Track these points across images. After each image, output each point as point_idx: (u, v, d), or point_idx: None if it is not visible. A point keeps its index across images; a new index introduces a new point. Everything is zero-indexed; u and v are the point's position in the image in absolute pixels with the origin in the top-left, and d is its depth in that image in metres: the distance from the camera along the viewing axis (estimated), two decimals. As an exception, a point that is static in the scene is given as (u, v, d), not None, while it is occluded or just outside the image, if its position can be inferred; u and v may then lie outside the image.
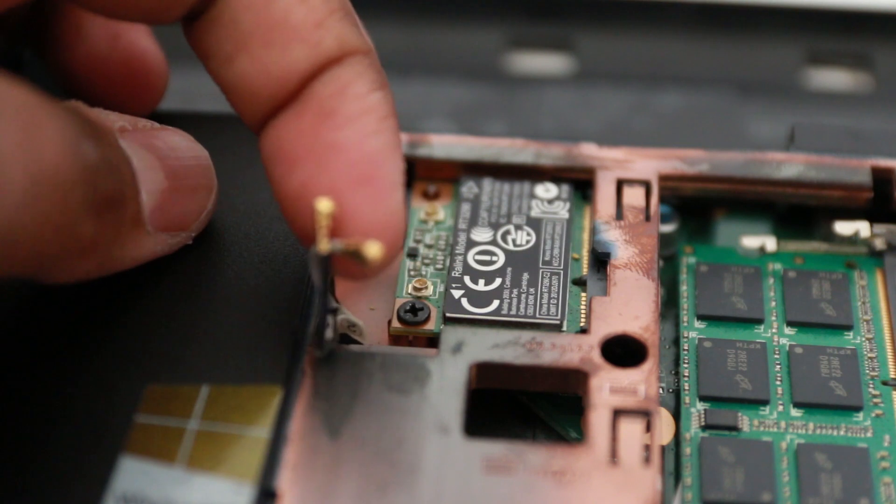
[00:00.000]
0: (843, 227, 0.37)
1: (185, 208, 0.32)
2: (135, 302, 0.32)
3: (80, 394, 0.31)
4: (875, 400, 0.33)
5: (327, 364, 0.31)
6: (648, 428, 0.30)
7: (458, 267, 0.34)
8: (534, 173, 0.37)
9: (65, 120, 0.27)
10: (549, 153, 0.37)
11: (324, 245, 0.29)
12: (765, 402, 0.33)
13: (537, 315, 0.33)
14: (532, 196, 0.36)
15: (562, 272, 0.34)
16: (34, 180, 0.26)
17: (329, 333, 0.31)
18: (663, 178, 0.36)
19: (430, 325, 0.33)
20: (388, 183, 0.30)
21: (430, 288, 0.34)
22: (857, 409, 0.33)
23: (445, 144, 0.37)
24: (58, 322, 0.32)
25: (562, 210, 0.36)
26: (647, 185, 0.36)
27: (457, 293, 0.33)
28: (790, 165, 0.37)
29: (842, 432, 0.32)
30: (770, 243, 0.37)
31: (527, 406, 0.34)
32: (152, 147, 0.31)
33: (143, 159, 0.30)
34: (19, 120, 0.26)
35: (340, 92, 0.30)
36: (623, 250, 0.34)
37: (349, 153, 0.30)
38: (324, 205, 0.29)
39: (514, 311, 0.33)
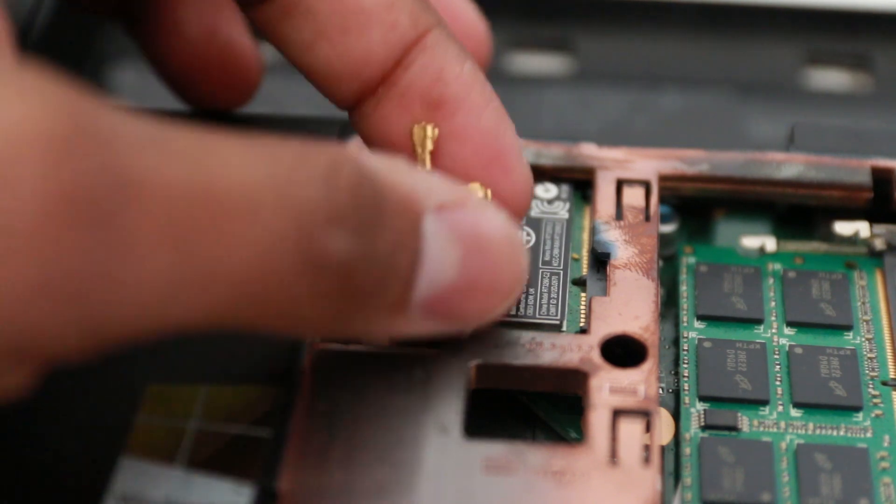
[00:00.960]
0: (842, 228, 0.37)
1: (469, 306, 0.29)
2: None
3: (80, 394, 0.31)
4: (875, 400, 0.33)
5: (327, 364, 0.31)
6: (648, 428, 0.30)
7: (458, 267, 0.34)
8: (533, 173, 0.36)
9: (295, 210, 0.25)
10: (549, 153, 0.37)
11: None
12: (764, 403, 0.33)
13: (537, 315, 0.33)
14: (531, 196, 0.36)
15: (561, 272, 0.34)
16: (229, 274, 0.25)
17: None
18: (663, 178, 0.36)
19: (430, 326, 0.33)
20: (514, 152, 0.32)
21: (430, 288, 0.34)
22: (857, 409, 0.33)
23: (445, 144, 0.37)
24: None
25: (561, 210, 0.36)
26: (646, 186, 0.36)
27: (457, 293, 0.33)
28: (790, 165, 0.37)
29: (841, 432, 0.32)
30: (770, 243, 0.37)
31: (527, 406, 0.34)
32: (462, 235, 0.28)
33: (442, 248, 0.28)
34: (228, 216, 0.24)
35: (439, 78, 0.31)
36: (623, 250, 0.34)
37: (472, 138, 0.31)
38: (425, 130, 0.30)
39: (513, 311, 0.33)
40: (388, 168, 0.27)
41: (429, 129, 0.31)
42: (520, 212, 0.32)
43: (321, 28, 0.31)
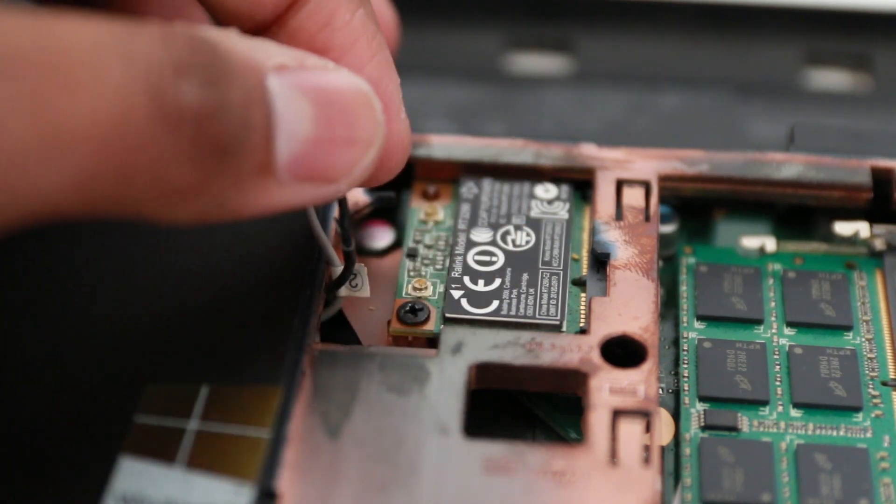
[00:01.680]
0: (842, 228, 0.37)
1: (334, 161, 0.29)
2: (135, 302, 0.32)
3: (80, 394, 0.31)
4: (875, 400, 0.33)
5: (327, 364, 0.31)
6: (648, 428, 0.30)
7: (458, 267, 0.34)
8: (533, 174, 0.37)
9: (140, 63, 0.26)
10: (549, 153, 0.37)
11: None
12: (764, 403, 0.33)
13: (537, 315, 0.33)
14: (532, 196, 0.36)
15: (561, 272, 0.34)
16: (87, 131, 0.25)
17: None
18: (663, 179, 0.36)
19: (430, 326, 0.33)
20: (394, 106, 0.31)
21: (430, 288, 0.34)
22: (857, 409, 0.33)
23: (445, 145, 0.37)
24: (58, 321, 0.32)
25: (561, 210, 0.36)
26: (646, 186, 0.36)
27: (456, 293, 0.33)
28: (790, 166, 0.37)
29: (841, 433, 0.32)
30: (770, 244, 0.37)
31: (526, 406, 0.34)
32: (309, 90, 0.28)
33: (291, 103, 0.28)
34: (62, 69, 0.25)
35: (327, 23, 0.31)
36: (623, 251, 0.34)
37: None
38: None
39: (513, 312, 0.33)
40: (221, 35, 0.28)
41: None
42: (393, 167, 0.31)
43: None
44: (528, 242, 0.35)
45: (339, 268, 0.33)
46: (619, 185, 0.36)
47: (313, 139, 0.28)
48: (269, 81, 0.28)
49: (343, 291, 0.34)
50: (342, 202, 0.33)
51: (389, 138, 0.30)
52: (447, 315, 0.33)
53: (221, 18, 0.31)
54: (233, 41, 0.28)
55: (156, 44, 0.26)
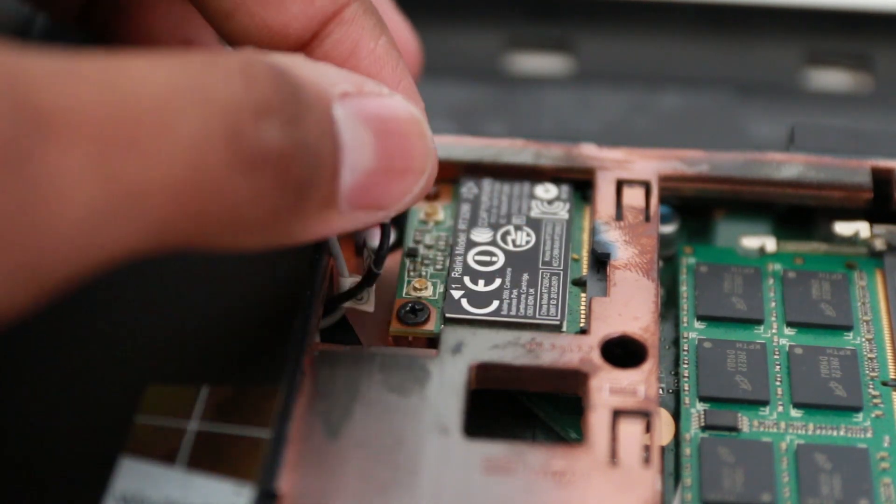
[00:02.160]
0: (842, 228, 0.37)
1: (390, 190, 0.29)
2: (135, 301, 0.32)
3: (80, 394, 0.31)
4: (875, 400, 0.33)
5: (327, 364, 0.31)
6: (648, 428, 0.30)
7: (458, 267, 0.34)
8: (533, 174, 0.36)
9: (218, 108, 0.25)
10: (549, 154, 0.37)
11: None
12: (764, 403, 0.33)
13: (537, 315, 0.33)
14: (532, 196, 0.36)
15: (561, 273, 0.34)
16: (159, 187, 0.24)
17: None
18: (663, 179, 0.36)
19: (430, 326, 0.33)
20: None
21: (430, 288, 0.34)
22: (857, 409, 0.33)
23: (445, 145, 0.37)
24: (58, 321, 0.32)
25: (561, 210, 0.36)
26: (646, 186, 0.36)
27: (456, 294, 0.33)
28: (790, 166, 0.37)
29: (841, 433, 0.32)
30: (770, 244, 0.37)
31: (527, 406, 0.34)
32: (370, 119, 0.28)
33: (357, 135, 0.28)
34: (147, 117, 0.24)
35: (352, 53, 0.31)
36: (623, 251, 0.34)
37: None
38: None
39: (513, 312, 0.33)
40: (292, 62, 0.28)
41: None
42: (428, 189, 0.31)
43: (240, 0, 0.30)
44: (528, 242, 0.35)
45: (347, 279, 0.33)
46: (620, 185, 0.36)
47: (373, 170, 0.28)
48: (336, 111, 0.27)
49: (348, 303, 0.34)
50: (386, 228, 0.33)
51: None
52: (447, 315, 0.33)
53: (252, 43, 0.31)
54: (303, 68, 0.27)
55: (234, 83, 0.25)
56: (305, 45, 0.31)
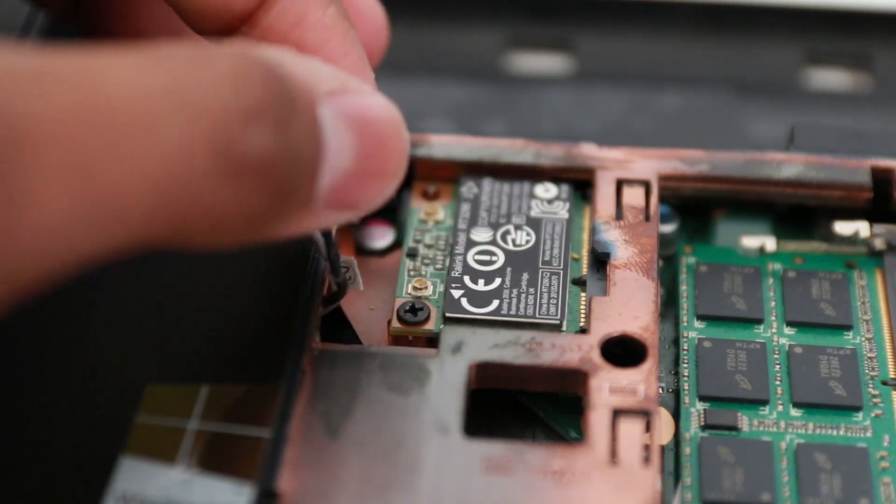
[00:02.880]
0: (842, 228, 0.37)
1: (364, 191, 0.28)
2: (135, 302, 0.32)
3: (80, 394, 0.31)
4: (875, 400, 0.33)
5: (327, 363, 0.31)
6: (648, 428, 0.30)
7: (458, 267, 0.34)
8: (533, 173, 0.37)
9: (204, 114, 0.24)
10: (549, 153, 0.37)
11: None
12: (764, 402, 0.33)
13: (537, 315, 0.33)
14: (532, 196, 0.36)
15: (561, 272, 0.34)
16: (139, 195, 0.24)
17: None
18: (663, 179, 0.36)
19: (430, 325, 0.33)
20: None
21: (430, 288, 0.34)
22: (857, 409, 0.33)
23: (445, 144, 0.37)
24: (58, 321, 0.32)
25: (561, 210, 0.36)
26: (646, 186, 0.36)
27: (456, 293, 0.33)
28: (790, 165, 0.37)
29: (841, 432, 0.32)
30: (770, 243, 0.37)
31: (526, 406, 0.34)
32: (352, 119, 0.28)
33: (339, 136, 0.27)
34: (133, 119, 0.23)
35: (299, 22, 0.30)
36: (623, 250, 0.34)
37: None
38: None
39: (513, 311, 0.33)
40: (283, 57, 0.27)
41: None
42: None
43: None
44: (528, 242, 0.35)
45: (339, 277, 0.33)
46: (619, 184, 0.36)
47: (352, 171, 0.28)
48: (321, 111, 0.27)
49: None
50: (328, 236, 0.33)
51: None
52: (447, 315, 0.33)
53: (190, 17, 0.30)
54: (292, 64, 0.27)
55: (224, 88, 0.25)
56: (251, 14, 0.30)
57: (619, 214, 0.35)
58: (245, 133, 0.25)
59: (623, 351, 0.32)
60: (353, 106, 0.28)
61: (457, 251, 0.35)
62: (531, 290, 0.33)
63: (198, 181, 0.24)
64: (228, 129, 0.24)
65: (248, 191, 0.25)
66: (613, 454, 0.30)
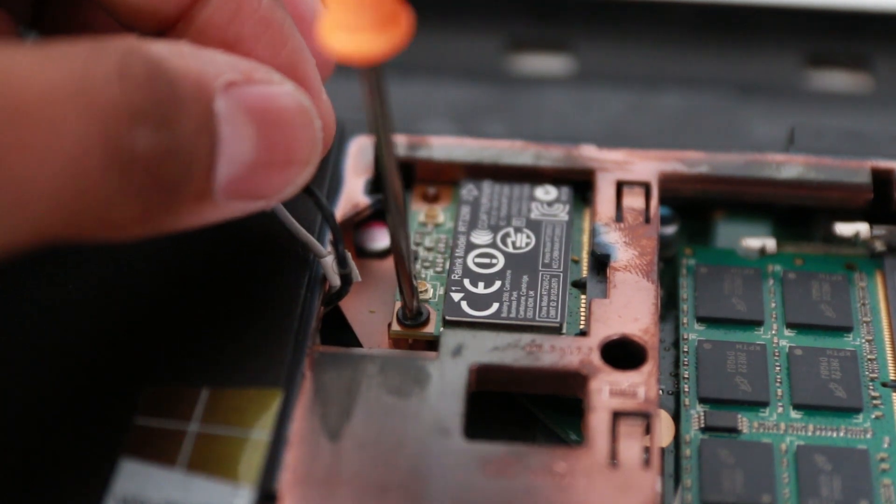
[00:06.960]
0: (842, 229, 0.37)
1: (269, 181, 0.29)
2: (134, 302, 0.32)
3: (80, 395, 0.31)
4: (875, 402, 0.33)
5: (327, 366, 0.31)
6: (648, 430, 0.30)
7: (458, 270, 0.34)
8: (533, 175, 0.37)
9: (97, 112, 0.25)
10: (549, 155, 0.37)
11: None
12: (764, 404, 0.33)
13: (537, 317, 0.33)
14: (532, 198, 0.36)
15: (561, 274, 0.34)
16: (43, 187, 0.25)
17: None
18: (663, 180, 0.36)
19: (430, 328, 0.33)
20: (314, 87, 0.31)
21: (430, 291, 0.34)
22: (857, 410, 0.33)
23: (445, 146, 0.37)
24: (57, 322, 0.32)
25: (561, 212, 0.36)
26: (646, 187, 0.36)
27: (456, 296, 0.33)
28: (790, 167, 0.37)
29: (841, 434, 0.32)
30: (770, 245, 0.37)
31: (527, 408, 0.34)
32: (254, 111, 0.28)
33: (236, 127, 0.27)
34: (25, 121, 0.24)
35: (235, 14, 0.30)
36: (623, 252, 0.34)
37: None
38: None
39: (513, 314, 0.33)
40: (175, 53, 0.27)
41: None
42: (322, 149, 0.30)
43: None
44: (528, 244, 0.35)
45: (324, 257, 0.33)
46: (619, 186, 0.36)
47: (252, 163, 0.28)
48: (217, 104, 0.27)
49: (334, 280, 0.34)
50: (335, 228, 0.33)
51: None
52: (447, 317, 0.33)
53: (123, 17, 0.30)
54: (184, 59, 0.27)
55: (112, 85, 0.25)
56: (187, 9, 0.30)
57: (619, 216, 0.35)
58: (130, 131, 0.26)
59: (623, 353, 0.32)
60: (252, 96, 0.28)
61: (457, 254, 0.35)
62: (531, 292, 0.33)
63: (92, 177, 0.25)
64: (117, 126, 0.25)
65: (135, 186, 0.26)
66: (613, 456, 0.30)
